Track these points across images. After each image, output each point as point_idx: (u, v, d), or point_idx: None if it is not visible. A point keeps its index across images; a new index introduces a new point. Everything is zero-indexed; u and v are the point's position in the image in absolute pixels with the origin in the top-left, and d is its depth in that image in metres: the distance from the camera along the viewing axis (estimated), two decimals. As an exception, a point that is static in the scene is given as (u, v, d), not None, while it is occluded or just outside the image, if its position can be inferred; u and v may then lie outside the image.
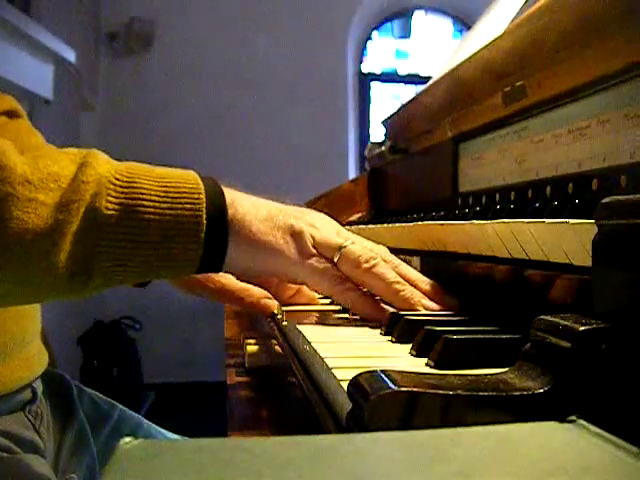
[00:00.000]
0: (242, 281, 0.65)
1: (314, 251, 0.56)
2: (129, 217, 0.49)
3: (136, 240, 0.49)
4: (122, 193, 0.49)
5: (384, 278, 0.56)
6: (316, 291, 0.63)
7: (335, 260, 0.56)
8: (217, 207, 0.52)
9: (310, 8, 3.72)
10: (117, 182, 0.50)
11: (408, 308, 0.55)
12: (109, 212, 0.48)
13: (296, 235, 0.56)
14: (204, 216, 0.51)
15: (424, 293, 0.57)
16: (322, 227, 0.58)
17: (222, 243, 0.52)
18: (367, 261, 0.56)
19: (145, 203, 0.50)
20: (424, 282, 0.59)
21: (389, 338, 0.48)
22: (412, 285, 0.57)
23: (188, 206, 0.51)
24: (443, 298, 0.57)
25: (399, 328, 0.47)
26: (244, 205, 0.54)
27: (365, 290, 0.57)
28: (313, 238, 0.56)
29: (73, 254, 0.48)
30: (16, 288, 0.50)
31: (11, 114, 0.83)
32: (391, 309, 0.55)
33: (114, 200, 0.49)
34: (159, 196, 0.50)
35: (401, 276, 0.57)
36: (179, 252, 0.51)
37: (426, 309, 0.55)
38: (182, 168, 0.55)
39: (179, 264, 0.51)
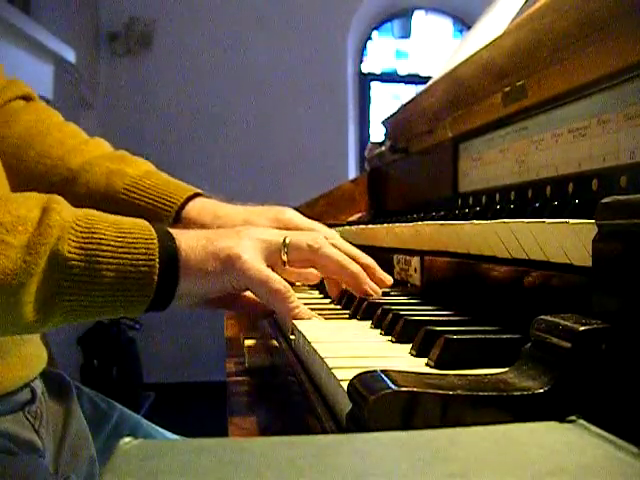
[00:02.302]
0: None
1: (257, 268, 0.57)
2: (89, 260, 0.52)
3: (95, 282, 0.53)
4: (82, 238, 0.53)
5: (333, 259, 0.61)
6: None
7: (284, 258, 0.60)
8: (169, 251, 0.55)
9: (310, 8, 3.71)
10: (78, 228, 0.53)
11: (356, 285, 0.62)
12: (71, 255, 0.52)
13: (231, 260, 0.56)
14: (157, 259, 0.54)
15: (365, 267, 0.64)
16: (263, 234, 0.60)
17: (172, 285, 0.55)
18: (312, 245, 0.61)
19: (103, 247, 0.53)
20: (363, 257, 0.65)
21: (389, 338, 0.48)
22: (355, 260, 0.63)
23: (142, 250, 0.54)
24: (379, 273, 0.65)
25: (399, 328, 0.47)
26: (190, 245, 0.56)
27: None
28: (261, 251, 0.59)
29: (38, 294, 0.51)
30: None
31: (27, 98, 0.86)
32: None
33: (75, 244, 0.52)
34: (116, 241, 0.54)
35: (344, 252, 0.63)
36: (133, 293, 0.54)
37: (370, 288, 0.62)
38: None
39: (133, 304, 0.55)
